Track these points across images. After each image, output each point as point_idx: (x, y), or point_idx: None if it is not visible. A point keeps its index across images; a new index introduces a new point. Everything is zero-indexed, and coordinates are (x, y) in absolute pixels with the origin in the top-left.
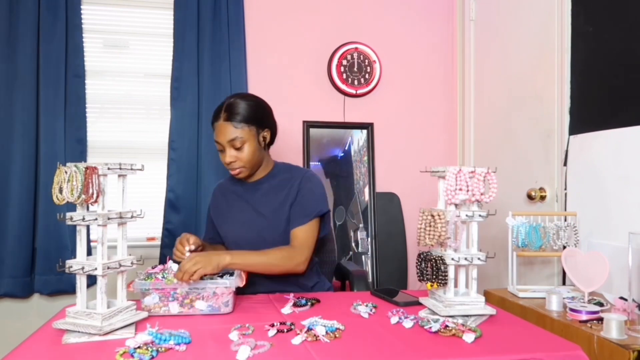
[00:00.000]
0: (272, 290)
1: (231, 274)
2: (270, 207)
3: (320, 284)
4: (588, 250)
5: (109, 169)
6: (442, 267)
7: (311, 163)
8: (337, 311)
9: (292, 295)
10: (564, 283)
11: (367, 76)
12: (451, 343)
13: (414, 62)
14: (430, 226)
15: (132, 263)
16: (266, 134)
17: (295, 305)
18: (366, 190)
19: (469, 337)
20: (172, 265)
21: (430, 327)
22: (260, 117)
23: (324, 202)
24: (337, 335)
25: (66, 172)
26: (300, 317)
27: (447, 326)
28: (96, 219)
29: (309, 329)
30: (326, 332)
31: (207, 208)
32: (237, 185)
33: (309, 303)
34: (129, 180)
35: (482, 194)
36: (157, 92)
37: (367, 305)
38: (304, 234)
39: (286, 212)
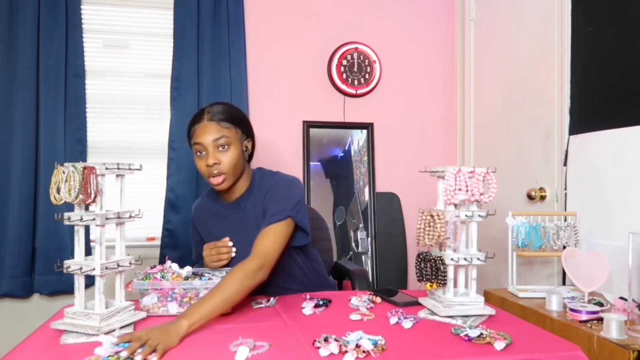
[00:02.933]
0: (282, 292)
1: None
2: (255, 227)
3: (325, 284)
4: (588, 250)
5: (106, 169)
6: (442, 267)
7: (311, 163)
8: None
9: (308, 295)
10: (564, 283)
11: (367, 76)
12: (453, 343)
13: (414, 62)
14: (429, 226)
15: (130, 263)
16: (248, 143)
17: (316, 306)
18: (366, 190)
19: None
20: (171, 265)
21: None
22: (245, 123)
23: (285, 207)
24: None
25: (64, 172)
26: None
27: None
28: (94, 219)
29: (357, 346)
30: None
31: (191, 226)
32: (218, 205)
33: (325, 303)
34: (128, 180)
35: (481, 194)
36: (157, 92)
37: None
38: (262, 241)
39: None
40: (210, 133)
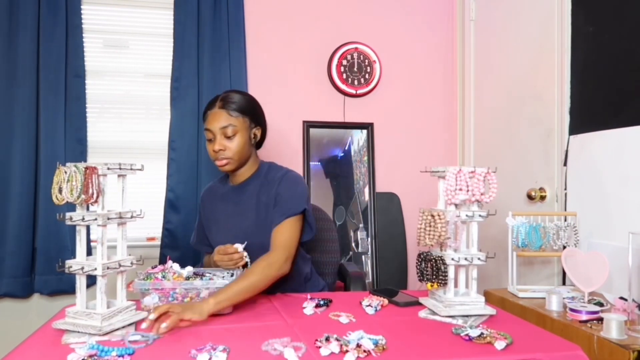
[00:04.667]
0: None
1: (231, 275)
2: (256, 210)
3: (313, 281)
4: (588, 250)
5: (108, 169)
6: (442, 267)
7: (311, 163)
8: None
9: (309, 295)
10: (564, 283)
11: (367, 76)
12: (454, 343)
13: (414, 62)
14: (430, 226)
15: (131, 263)
16: (257, 131)
17: (317, 306)
18: (366, 190)
19: (500, 345)
20: (172, 265)
21: (468, 334)
22: (255, 111)
23: (300, 201)
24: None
25: (66, 172)
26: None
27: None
28: (96, 219)
29: (358, 345)
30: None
31: (197, 213)
32: (226, 188)
33: (326, 303)
34: (128, 180)
35: (482, 194)
36: (157, 92)
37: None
38: (282, 234)
39: (270, 214)
40: (218, 121)
